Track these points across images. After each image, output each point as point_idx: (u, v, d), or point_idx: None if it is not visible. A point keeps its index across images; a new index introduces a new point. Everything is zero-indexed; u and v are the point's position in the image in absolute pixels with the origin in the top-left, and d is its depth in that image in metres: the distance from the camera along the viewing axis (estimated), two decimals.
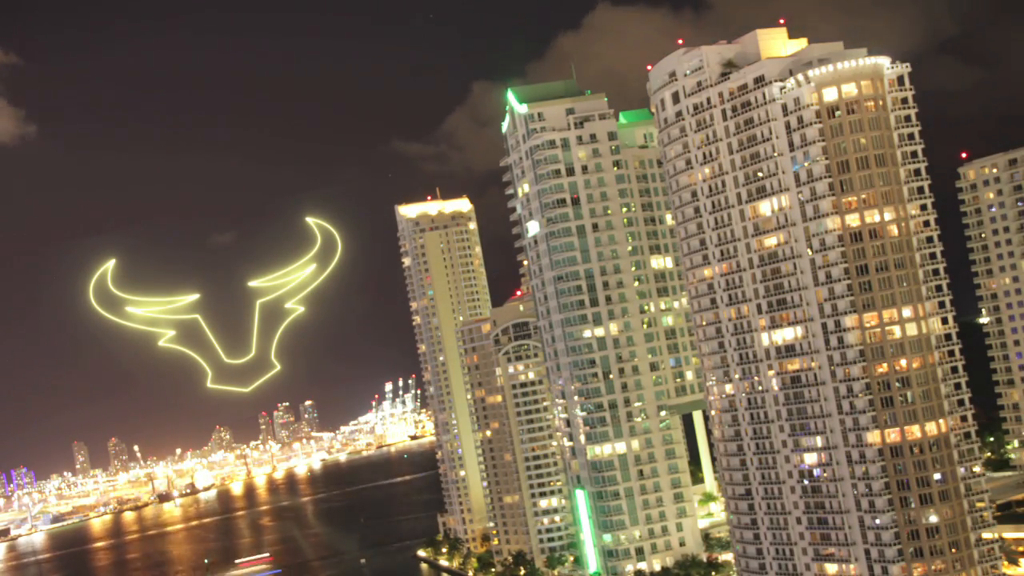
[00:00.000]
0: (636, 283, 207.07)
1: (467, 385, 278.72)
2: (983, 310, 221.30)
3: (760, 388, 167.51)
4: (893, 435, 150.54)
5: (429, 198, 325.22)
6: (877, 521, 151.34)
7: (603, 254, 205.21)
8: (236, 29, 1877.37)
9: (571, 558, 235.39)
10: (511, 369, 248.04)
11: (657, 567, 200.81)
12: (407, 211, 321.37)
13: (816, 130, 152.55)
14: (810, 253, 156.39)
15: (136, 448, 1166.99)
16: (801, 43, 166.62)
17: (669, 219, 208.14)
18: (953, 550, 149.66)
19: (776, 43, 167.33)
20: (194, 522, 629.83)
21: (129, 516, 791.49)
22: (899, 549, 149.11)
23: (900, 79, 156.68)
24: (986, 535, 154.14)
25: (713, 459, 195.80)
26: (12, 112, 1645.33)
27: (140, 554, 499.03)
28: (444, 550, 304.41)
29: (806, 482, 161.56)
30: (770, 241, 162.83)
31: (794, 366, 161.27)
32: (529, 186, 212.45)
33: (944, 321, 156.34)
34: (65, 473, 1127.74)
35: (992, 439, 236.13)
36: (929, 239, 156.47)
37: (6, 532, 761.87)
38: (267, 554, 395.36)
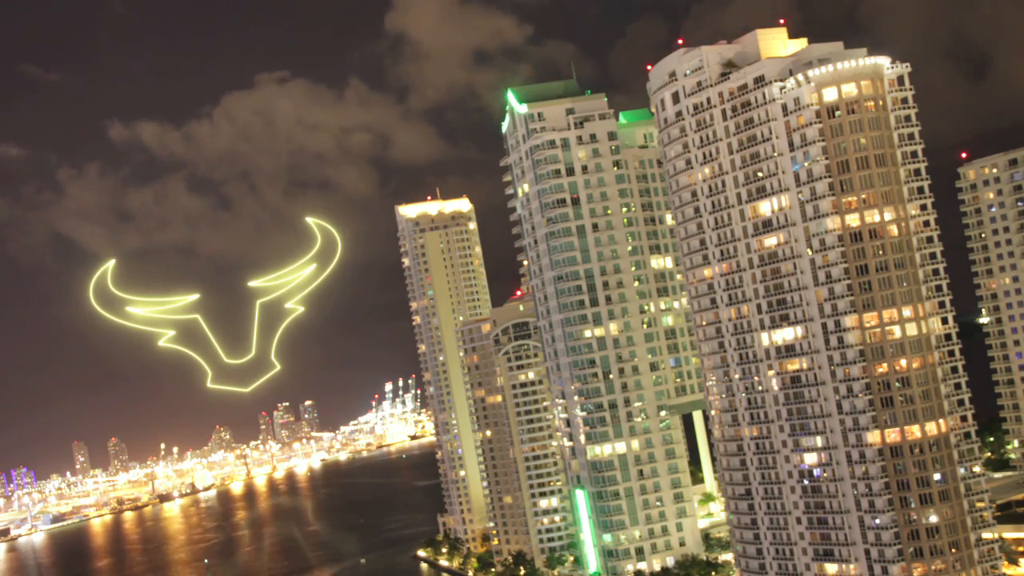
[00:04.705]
0: (636, 283, 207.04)
1: (467, 385, 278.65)
2: (983, 310, 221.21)
3: (760, 388, 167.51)
4: (893, 435, 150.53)
5: (429, 198, 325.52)
6: (877, 521, 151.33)
7: (603, 254, 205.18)
8: None
9: (571, 558, 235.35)
10: (511, 369, 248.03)
11: (657, 567, 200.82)
12: (407, 211, 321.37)
13: (816, 130, 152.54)
14: (810, 253, 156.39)
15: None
16: (801, 43, 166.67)
17: (669, 219, 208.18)
18: (953, 550, 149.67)
19: (776, 43, 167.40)
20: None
21: (129, 516, 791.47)
22: (899, 549, 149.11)
23: (900, 79, 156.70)
24: (986, 535, 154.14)
25: (713, 459, 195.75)
26: None
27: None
28: (444, 550, 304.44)
29: (806, 482, 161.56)
30: (770, 241, 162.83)
31: (794, 366, 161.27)
32: (529, 186, 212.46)
33: (944, 321, 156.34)
34: (65, 473, 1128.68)
35: (992, 439, 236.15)
36: (929, 239, 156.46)
37: (6, 532, 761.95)
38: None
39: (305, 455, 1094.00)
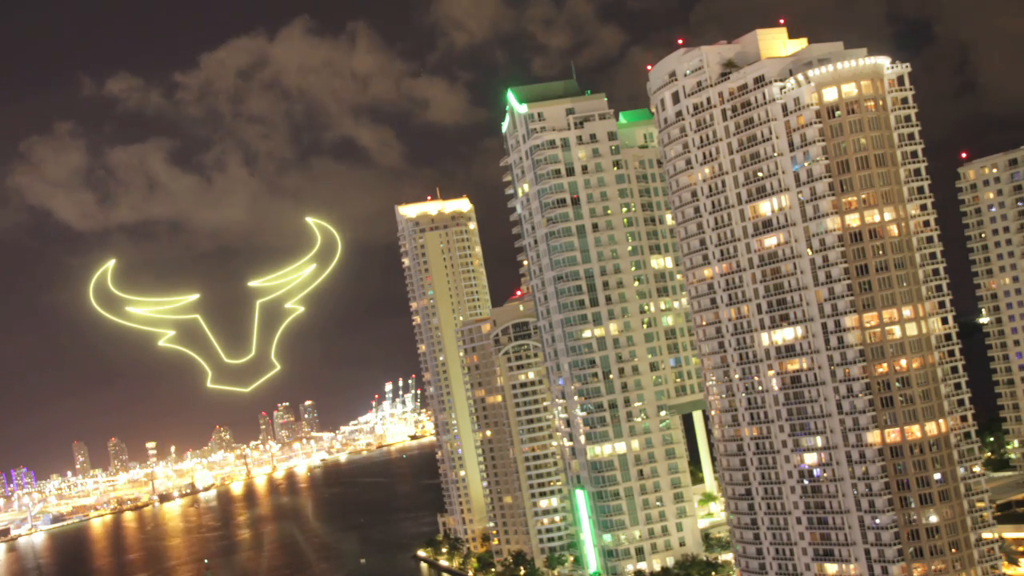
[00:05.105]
0: (636, 283, 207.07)
1: (467, 385, 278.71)
2: (983, 310, 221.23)
3: (760, 388, 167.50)
4: (893, 435, 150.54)
5: (429, 198, 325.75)
6: (877, 521, 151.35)
7: (603, 254, 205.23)
8: None
9: (571, 558, 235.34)
10: (511, 369, 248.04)
11: (657, 567, 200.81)
12: (407, 211, 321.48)
13: (816, 130, 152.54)
14: (810, 253, 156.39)
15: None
16: (801, 43, 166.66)
17: (669, 219, 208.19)
18: (953, 550, 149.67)
19: (776, 43, 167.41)
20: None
21: (129, 516, 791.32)
22: (899, 549, 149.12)
23: (900, 79, 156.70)
24: (986, 535, 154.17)
25: (713, 459, 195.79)
26: None
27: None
28: (444, 550, 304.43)
29: (806, 482, 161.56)
30: (770, 241, 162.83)
31: (794, 366, 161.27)
32: (529, 186, 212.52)
33: (944, 321, 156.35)
34: (65, 473, 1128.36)
35: (992, 439, 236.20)
36: (929, 239, 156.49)
37: (6, 532, 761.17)
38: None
39: (305, 455, 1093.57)
